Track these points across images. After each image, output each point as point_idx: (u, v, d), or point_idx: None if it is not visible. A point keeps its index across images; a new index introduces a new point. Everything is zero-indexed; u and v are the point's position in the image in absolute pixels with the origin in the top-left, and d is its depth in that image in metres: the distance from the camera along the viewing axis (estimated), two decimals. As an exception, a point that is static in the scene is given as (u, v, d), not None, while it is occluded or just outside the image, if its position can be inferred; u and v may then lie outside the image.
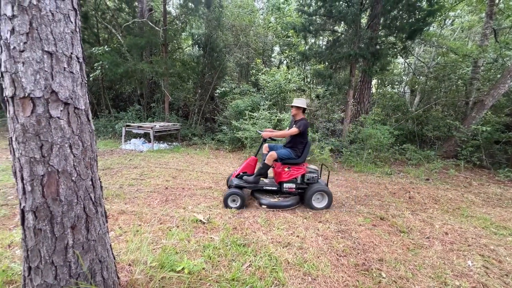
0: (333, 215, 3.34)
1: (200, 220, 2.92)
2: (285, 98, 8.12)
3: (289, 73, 8.17)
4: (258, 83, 8.59)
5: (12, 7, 1.13)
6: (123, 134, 7.19)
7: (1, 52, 1.17)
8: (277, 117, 6.58)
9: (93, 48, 7.36)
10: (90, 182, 1.40)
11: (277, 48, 13.90)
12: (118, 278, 1.66)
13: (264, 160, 3.54)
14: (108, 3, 10.06)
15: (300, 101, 3.55)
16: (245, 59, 11.50)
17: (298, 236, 2.72)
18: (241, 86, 9.04)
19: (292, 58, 10.27)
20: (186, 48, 12.36)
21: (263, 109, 6.75)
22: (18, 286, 1.80)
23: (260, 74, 8.25)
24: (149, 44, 8.47)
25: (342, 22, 7.17)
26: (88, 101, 1.41)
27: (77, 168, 1.32)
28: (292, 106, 3.60)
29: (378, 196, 4.25)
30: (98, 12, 9.03)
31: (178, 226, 2.80)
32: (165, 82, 8.79)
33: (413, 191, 4.58)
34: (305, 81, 9.02)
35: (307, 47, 7.69)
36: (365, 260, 2.37)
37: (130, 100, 11.20)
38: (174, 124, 8.09)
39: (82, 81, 1.36)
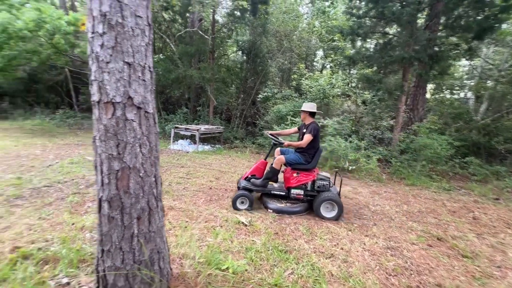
0: (381, 230, 3.11)
1: (242, 222, 2.99)
2: (328, 104, 7.89)
3: (333, 78, 7.92)
4: (300, 88, 8.51)
5: (103, 25, 1.32)
6: (172, 135, 7.78)
7: (92, 63, 1.37)
8: (320, 123, 6.41)
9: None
10: (154, 179, 1.54)
11: (320, 53, 13.62)
12: (171, 269, 1.79)
13: (272, 164, 3.54)
14: (164, 15, 11.06)
15: (309, 105, 3.55)
16: (287, 64, 11.51)
17: (342, 249, 2.60)
18: (282, 91, 9.07)
19: (338, 63, 9.96)
20: (231, 54, 12.88)
21: (306, 115, 6.65)
22: (88, 265, 2.07)
23: (303, 79, 8.16)
24: (198, 51, 9.05)
25: (395, 24, 6.72)
26: (155, 106, 1.57)
27: (144, 165, 1.47)
28: (301, 111, 3.65)
29: (435, 214, 3.83)
30: (155, 24, 9.98)
31: (221, 226, 2.90)
32: (211, 87, 9.27)
33: (479, 211, 4.02)
34: (350, 86, 8.66)
35: (354, 51, 7.38)
36: (420, 283, 2.15)
37: (178, 103, 12.06)
38: (217, 127, 8.46)
39: (151, 88, 1.52)
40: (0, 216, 2.89)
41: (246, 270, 2.08)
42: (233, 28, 10.38)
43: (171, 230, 2.73)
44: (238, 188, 3.61)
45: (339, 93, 7.93)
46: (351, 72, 10.14)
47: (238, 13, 9.30)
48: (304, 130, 3.53)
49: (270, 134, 3.80)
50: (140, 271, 1.46)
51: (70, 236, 2.49)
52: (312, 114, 3.57)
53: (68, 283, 1.83)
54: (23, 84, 12.32)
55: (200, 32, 8.98)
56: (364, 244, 2.73)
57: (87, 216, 2.99)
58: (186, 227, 2.80)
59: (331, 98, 7.66)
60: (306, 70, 9.83)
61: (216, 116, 10.01)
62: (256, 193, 3.81)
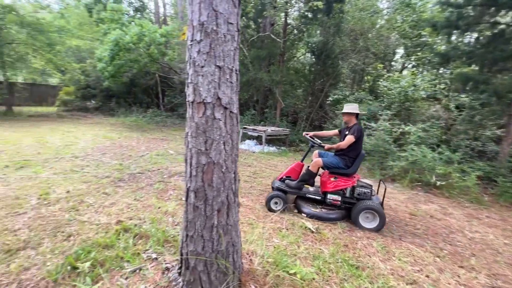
0: (483, 264, 2.54)
1: (309, 228, 2.90)
2: (411, 108, 6.94)
3: (417, 79, 6.93)
4: (376, 90, 7.75)
5: (201, 33, 1.47)
6: (240, 135, 8.20)
7: (189, 68, 1.54)
8: (400, 130, 5.70)
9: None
10: (233, 175, 1.63)
11: (400, 51, 12.14)
12: (242, 263, 1.86)
13: (309, 166, 3.36)
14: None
15: (352, 107, 3.32)
16: (361, 65, 10.69)
17: (428, 277, 2.23)
18: (355, 93, 8.45)
19: (426, 61, 8.68)
20: (300, 56, 12.77)
21: (383, 120, 6.00)
22: (171, 246, 2.34)
23: (381, 80, 7.42)
24: (269, 55, 9.30)
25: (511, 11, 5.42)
26: (238, 106, 1.65)
27: (226, 162, 1.57)
28: (343, 113, 3.38)
29: None
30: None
31: (287, 229, 2.88)
32: (279, 89, 9.38)
33: None
34: (439, 87, 7.41)
35: (449, 46, 6.28)
36: None
37: (246, 105, 12.67)
38: (283, 130, 8.50)
39: (236, 89, 1.61)
40: (109, 193, 3.57)
41: (313, 278, 2.00)
42: (304, 29, 10.27)
43: (239, 226, 2.86)
44: (272, 188, 3.56)
45: (424, 96, 6.89)
46: (442, 71, 8.68)
47: (310, 14, 9.15)
48: (346, 132, 3.31)
49: (309, 136, 3.63)
50: (217, 260, 1.56)
51: (157, 218, 2.88)
52: (356, 116, 3.35)
53: (156, 259, 2.11)
54: (125, 87, 15.03)
55: (272, 35, 9.20)
56: (459, 276, 2.27)
57: (169, 202, 3.41)
58: (252, 224, 2.88)
59: (414, 101, 6.72)
60: (384, 70, 8.91)
61: (283, 119, 10.08)
62: (291, 196, 3.70)
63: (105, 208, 3.10)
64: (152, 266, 2.01)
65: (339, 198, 3.26)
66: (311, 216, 3.23)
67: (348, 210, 3.27)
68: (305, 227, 2.92)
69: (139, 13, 15.06)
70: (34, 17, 11.77)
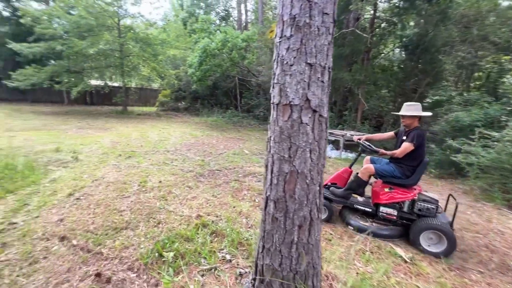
0: None
1: (401, 256, 2.40)
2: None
3: None
4: (497, 88, 6.05)
5: (291, 28, 1.33)
6: (315, 138, 7.82)
7: (276, 67, 1.42)
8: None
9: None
10: (318, 188, 1.43)
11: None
12: (320, 288, 1.64)
13: (358, 173, 2.97)
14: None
15: (414, 108, 2.77)
16: (471, 58, 8.59)
17: None
18: (464, 94, 6.83)
19: None
20: (388, 53, 11.31)
21: (511, 128, 4.53)
22: (244, 249, 2.31)
23: (507, 76, 5.75)
24: (352, 52, 8.55)
25: None
26: (328, 110, 1.44)
27: (311, 172, 1.38)
28: (403, 116, 2.83)
29: None
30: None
31: (372, 252, 2.47)
32: (362, 90, 8.52)
33: None
34: None
35: None
36: None
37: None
38: (364, 134, 7.65)
39: (328, 90, 1.40)
40: (191, 187, 3.89)
41: (410, 326, 1.60)
42: (396, 22, 9.00)
43: (314, 239, 2.62)
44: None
45: None
46: None
47: (404, 4, 7.92)
48: (404, 138, 2.81)
49: (361, 140, 3.14)
50: (296, 283, 1.39)
51: (232, 217, 2.93)
52: (420, 118, 2.84)
53: (230, 261, 2.11)
54: (209, 90, 16.63)
55: (357, 31, 8.42)
56: None
57: (244, 202, 3.45)
58: (331, 240, 2.60)
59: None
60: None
61: (364, 122, 9.12)
62: (337, 205, 3.28)
63: (188, 201, 3.37)
64: (226, 268, 2.00)
65: (395, 213, 2.80)
66: (359, 230, 2.79)
67: (405, 227, 2.80)
68: (395, 254, 2.44)
69: (224, 21, 16.39)
70: (145, 33, 14.34)
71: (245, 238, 2.45)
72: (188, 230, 2.55)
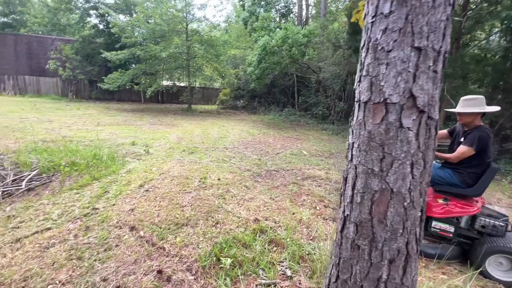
0: None
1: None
2: None
3: None
4: None
5: (391, 2, 1.01)
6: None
7: (366, 56, 1.12)
8: None
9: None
10: (420, 214, 1.08)
11: None
12: None
13: None
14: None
15: (473, 102, 2.19)
16: None
17: None
18: None
19: None
20: (484, 39, 9.26)
21: None
22: (307, 265, 2.06)
23: None
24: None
25: None
26: (439, 109, 1.07)
27: (412, 193, 1.04)
28: (459, 114, 2.30)
29: None
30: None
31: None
32: (448, 85, 7.15)
33: None
34: None
35: None
36: None
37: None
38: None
39: (440, 83, 1.03)
40: (248, 187, 3.81)
41: None
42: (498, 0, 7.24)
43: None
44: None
45: None
46: None
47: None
48: (462, 139, 2.32)
49: None
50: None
51: (292, 225, 2.70)
52: (483, 115, 2.30)
53: (291, 277, 1.89)
54: (266, 88, 16.65)
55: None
56: None
57: (303, 209, 3.18)
58: (420, 273, 2.12)
59: None
60: None
61: (449, 124, 7.68)
62: None
63: (245, 201, 3.29)
64: (287, 286, 1.79)
65: (451, 229, 2.32)
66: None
67: (464, 248, 2.35)
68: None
69: (284, 18, 16.14)
70: (209, 35, 15.20)
71: (307, 252, 2.20)
72: (245, 234, 2.43)
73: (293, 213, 3.00)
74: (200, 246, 2.26)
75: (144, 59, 13.84)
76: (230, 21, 17.89)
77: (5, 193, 3.24)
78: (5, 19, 26.55)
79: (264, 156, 5.70)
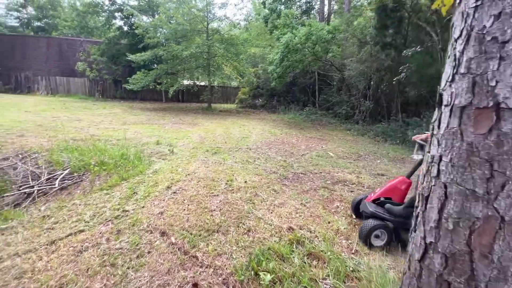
0: None
1: None
2: None
3: None
4: None
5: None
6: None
7: (464, 48, 0.90)
8: None
9: (404, 51, 7.21)
10: (538, 249, 0.85)
11: None
12: None
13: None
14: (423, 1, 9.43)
15: None
16: None
17: None
18: None
19: None
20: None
21: None
22: (353, 285, 1.86)
23: None
24: None
25: None
26: None
27: (530, 223, 0.82)
28: None
29: None
30: (413, 13, 8.75)
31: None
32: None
33: None
34: None
35: None
36: None
37: (422, 103, 10.11)
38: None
39: None
40: (277, 191, 3.64)
41: None
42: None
43: None
44: (356, 211, 2.80)
45: None
46: None
47: None
48: None
49: (419, 139, 2.47)
50: None
51: (329, 236, 2.49)
52: None
53: (338, 299, 1.71)
54: (286, 87, 16.36)
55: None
56: None
57: (338, 217, 2.96)
58: None
59: None
60: None
61: None
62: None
63: (275, 207, 3.12)
64: (336, 311, 1.61)
65: None
66: None
67: None
68: None
69: (306, 15, 15.74)
70: (229, 34, 15.15)
71: (352, 269, 1.99)
72: (281, 245, 2.27)
73: (329, 222, 2.80)
74: (234, 256, 2.12)
75: (166, 59, 14.06)
76: (250, 19, 17.75)
77: (40, 191, 3.30)
78: (39, 23, 28.21)
79: (289, 158, 5.50)
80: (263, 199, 3.34)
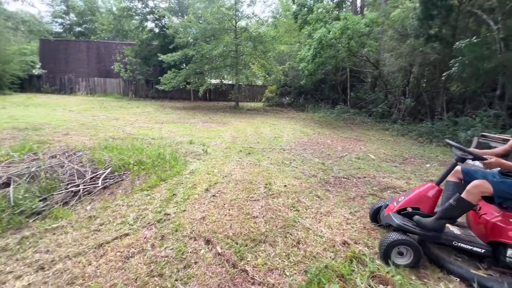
0: None
1: None
2: None
3: None
4: None
5: None
6: (474, 145, 5.78)
7: None
8: None
9: (456, 43, 6.47)
10: None
11: None
12: None
13: (459, 193, 1.98)
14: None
15: None
16: None
17: None
18: None
19: None
20: None
21: None
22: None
23: None
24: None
25: None
26: None
27: None
28: None
29: None
30: (465, 0, 7.85)
31: None
32: None
33: None
34: None
35: None
36: None
37: (471, 101, 9.11)
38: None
39: None
40: (321, 197, 3.38)
41: None
42: None
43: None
44: (384, 224, 2.42)
45: None
46: None
47: None
48: None
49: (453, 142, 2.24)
50: None
51: (392, 254, 2.19)
52: None
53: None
54: (314, 84, 15.80)
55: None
56: None
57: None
58: None
59: None
60: None
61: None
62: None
63: (322, 216, 2.87)
64: None
65: None
66: (471, 281, 1.83)
67: None
68: None
69: (338, 8, 15.07)
70: (257, 32, 14.97)
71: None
72: (339, 263, 2.02)
73: (387, 237, 2.48)
74: (288, 273, 1.92)
75: (195, 59, 14.26)
76: (279, 16, 17.43)
77: (85, 190, 3.36)
78: (79, 28, 30.32)
79: (327, 160, 5.18)
80: (307, 206, 3.10)
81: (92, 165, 4.19)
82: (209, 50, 13.26)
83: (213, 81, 18.17)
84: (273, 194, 3.40)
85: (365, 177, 4.27)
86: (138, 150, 4.68)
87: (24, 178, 3.41)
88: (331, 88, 17.13)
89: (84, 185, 3.45)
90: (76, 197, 3.21)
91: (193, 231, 2.45)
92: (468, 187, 2.00)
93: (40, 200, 3.05)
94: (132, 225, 2.53)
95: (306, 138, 7.37)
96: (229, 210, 2.91)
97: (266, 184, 3.69)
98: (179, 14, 19.42)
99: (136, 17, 20.21)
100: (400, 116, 9.22)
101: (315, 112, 14.17)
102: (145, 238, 2.33)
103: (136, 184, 3.57)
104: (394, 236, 2.05)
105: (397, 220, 2.14)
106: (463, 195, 2.00)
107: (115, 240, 2.28)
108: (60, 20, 30.40)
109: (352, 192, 3.62)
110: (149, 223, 2.57)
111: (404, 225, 2.10)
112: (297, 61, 11.49)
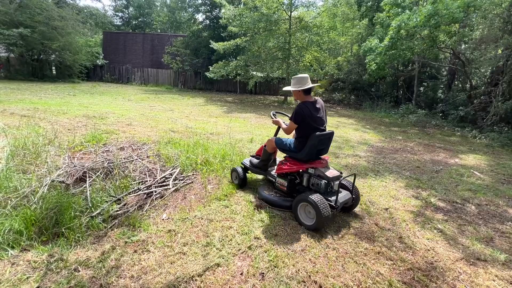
0: None
1: None
2: None
3: None
4: None
5: None
6: None
7: None
8: None
9: None
10: None
11: None
12: None
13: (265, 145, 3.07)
14: None
15: (293, 82, 2.66)
16: None
17: None
18: None
19: None
20: None
21: None
22: None
23: None
24: None
25: None
26: None
27: None
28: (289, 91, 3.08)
29: None
30: None
31: None
32: None
33: None
34: None
35: None
36: None
37: None
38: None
39: None
40: (442, 232, 2.57)
41: None
42: None
43: None
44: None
45: None
46: None
47: None
48: None
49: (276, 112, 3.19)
50: None
51: None
52: (306, 91, 2.60)
53: None
54: (372, 79, 14.22)
55: None
56: None
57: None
58: None
59: None
60: None
61: None
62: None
63: (468, 271, 2.08)
64: None
65: (285, 184, 2.78)
66: (261, 199, 2.89)
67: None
68: None
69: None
70: (313, 22, 13.90)
71: None
72: None
73: None
74: None
75: (247, 50, 13.81)
76: (338, 3, 16.01)
77: (157, 193, 3.06)
78: (136, 22, 32.17)
79: (421, 175, 4.24)
80: (431, 247, 2.33)
81: (159, 161, 3.94)
82: (263, 42, 12.67)
83: (260, 74, 17.67)
84: (369, 213, 2.70)
85: (486, 204, 3.30)
86: (203, 146, 4.34)
87: (99, 173, 3.23)
88: (390, 84, 15.35)
89: (156, 187, 3.16)
90: (149, 200, 2.92)
91: (298, 270, 1.89)
92: (267, 141, 3.04)
93: (115, 201, 2.82)
94: (220, 250, 2.07)
95: (379, 143, 6.40)
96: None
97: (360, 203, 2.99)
98: (235, 4, 19.17)
99: (189, 9, 20.49)
100: (495, 121, 7.59)
101: (373, 111, 12.77)
102: (241, 273, 1.84)
103: (208, 188, 3.16)
104: (235, 167, 3.26)
105: (245, 160, 2.90)
106: (265, 146, 3.04)
107: (206, 272, 1.83)
108: (120, 14, 32.62)
109: (481, 227, 2.73)
110: (239, 249, 2.10)
111: (244, 163, 3.04)
112: (360, 53, 10.26)
